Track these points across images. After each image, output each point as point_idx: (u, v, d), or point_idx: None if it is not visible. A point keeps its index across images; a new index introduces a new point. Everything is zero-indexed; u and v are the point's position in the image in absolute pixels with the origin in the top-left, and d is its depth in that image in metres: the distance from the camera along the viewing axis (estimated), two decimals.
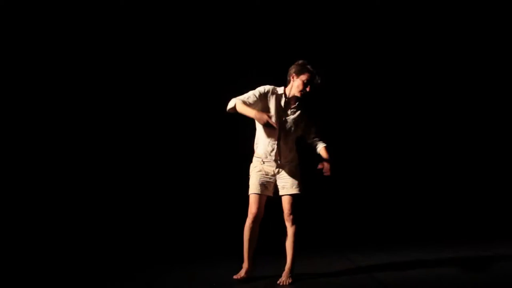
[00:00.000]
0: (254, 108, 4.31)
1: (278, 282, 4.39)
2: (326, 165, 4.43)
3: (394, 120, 7.37)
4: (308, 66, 4.45)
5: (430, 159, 7.42)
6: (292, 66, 4.49)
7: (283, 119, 4.46)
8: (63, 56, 6.78)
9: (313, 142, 4.60)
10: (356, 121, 7.29)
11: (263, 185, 4.46)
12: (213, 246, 6.10)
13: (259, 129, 4.50)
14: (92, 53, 6.83)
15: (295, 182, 4.48)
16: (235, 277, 4.46)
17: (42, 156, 6.71)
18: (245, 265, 4.49)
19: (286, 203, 4.46)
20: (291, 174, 4.48)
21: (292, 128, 4.49)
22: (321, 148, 4.56)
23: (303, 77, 4.42)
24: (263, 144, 4.48)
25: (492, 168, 7.43)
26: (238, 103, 4.31)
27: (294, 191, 4.46)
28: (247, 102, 4.34)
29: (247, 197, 4.50)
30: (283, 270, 4.47)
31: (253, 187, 4.47)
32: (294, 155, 4.55)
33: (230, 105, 4.35)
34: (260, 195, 4.45)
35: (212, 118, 6.59)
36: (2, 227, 6.30)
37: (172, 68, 6.98)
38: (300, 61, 4.48)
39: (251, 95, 4.39)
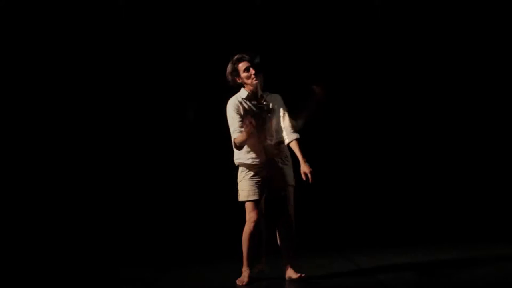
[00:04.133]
0: (241, 129, 4.29)
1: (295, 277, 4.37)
2: (306, 171, 4.28)
3: (397, 119, 7.34)
4: (235, 57, 4.43)
5: (432, 159, 7.39)
6: (227, 72, 4.45)
7: (259, 118, 4.37)
8: (63, 56, 6.77)
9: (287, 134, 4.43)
10: (358, 121, 7.26)
11: (259, 189, 4.41)
12: (213, 246, 6.08)
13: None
14: (91, 54, 6.82)
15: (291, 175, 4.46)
16: (238, 283, 4.39)
17: (41, 156, 6.69)
18: (247, 270, 4.44)
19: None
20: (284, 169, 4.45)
21: (270, 122, 4.41)
22: (291, 140, 4.39)
23: (241, 67, 4.39)
24: (251, 147, 4.40)
25: (493, 168, 7.40)
26: (236, 140, 4.32)
27: (292, 183, 4.45)
28: (238, 130, 4.32)
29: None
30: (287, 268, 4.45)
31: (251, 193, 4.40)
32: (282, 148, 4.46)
33: (235, 144, 4.35)
34: (258, 200, 4.40)
35: (213, 119, 6.58)
36: (2, 227, 6.29)
37: (172, 69, 6.96)
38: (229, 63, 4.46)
39: (235, 122, 4.35)
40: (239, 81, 4.44)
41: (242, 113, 4.38)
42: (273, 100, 4.49)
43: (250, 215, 4.37)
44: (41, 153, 6.70)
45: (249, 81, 4.39)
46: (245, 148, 4.39)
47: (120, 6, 6.81)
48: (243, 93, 4.45)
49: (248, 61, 4.40)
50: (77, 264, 5.44)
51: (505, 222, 6.89)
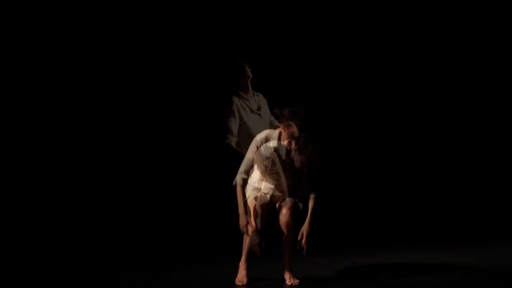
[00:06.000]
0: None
1: (288, 283, 4.38)
2: (304, 232, 4.46)
3: (395, 119, 7.34)
4: (295, 119, 4.29)
5: (432, 158, 7.39)
6: (284, 113, 4.30)
7: (284, 158, 4.45)
8: (63, 56, 6.77)
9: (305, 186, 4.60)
10: (357, 120, 7.26)
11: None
12: (213, 246, 6.07)
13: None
14: (91, 54, 6.82)
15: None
16: (238, 283, 4.41)
17: (41, 156, 6.69)
18: (245, 270, 4.45)
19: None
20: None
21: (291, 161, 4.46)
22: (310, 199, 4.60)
23: (291, 130, 4.31)
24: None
25: (493, 168, 7.40)
26: (238, 184, 4.40)
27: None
28: (243, 173, 4.40)
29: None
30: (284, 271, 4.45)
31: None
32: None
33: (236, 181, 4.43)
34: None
35: (212, 120, 6.57)
36: (2, 228, 6.29)
37: (172, 69, 6.96)
38: (291, 110, 4.30)
39: (249, 160, 4.41)
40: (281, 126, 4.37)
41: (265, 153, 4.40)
42: (261, 101, 4.62)
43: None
44: (39, 156, 6.69)
45: (287, 144, 4.35)
46: (259, 176, 4.48)
47: (120, 6, 6.81)
48: (276, 133, 4.40)
49: (297, 131, 4.31)
50: (78, 263, 5.43)
51: (506, 221, 6.90)
